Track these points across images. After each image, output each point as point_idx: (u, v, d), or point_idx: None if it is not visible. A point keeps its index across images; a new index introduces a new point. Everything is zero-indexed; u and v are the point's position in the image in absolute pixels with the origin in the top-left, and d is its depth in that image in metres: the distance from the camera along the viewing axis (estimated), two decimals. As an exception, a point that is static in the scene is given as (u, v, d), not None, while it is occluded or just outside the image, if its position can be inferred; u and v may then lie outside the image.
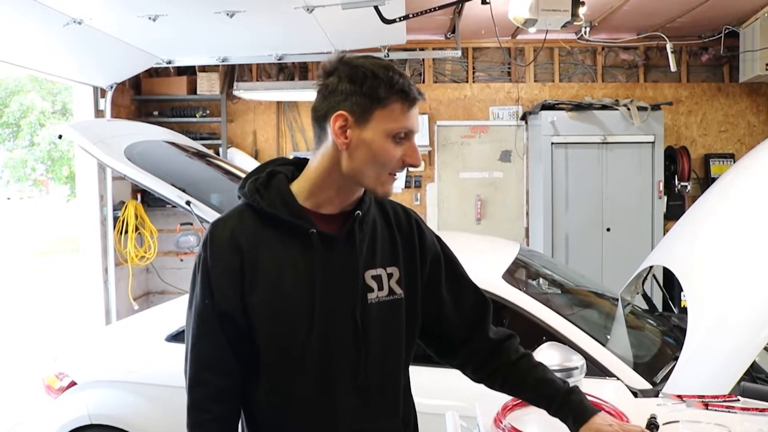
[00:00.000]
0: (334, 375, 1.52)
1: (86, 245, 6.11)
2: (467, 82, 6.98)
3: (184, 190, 3.26)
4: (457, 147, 6.94)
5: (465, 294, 1.69)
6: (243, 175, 4.08)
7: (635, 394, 2.56)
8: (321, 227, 1.51)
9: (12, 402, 5.25)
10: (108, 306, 6.02)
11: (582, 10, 4.65)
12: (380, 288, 1.55)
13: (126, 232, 6.18)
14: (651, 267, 3.51)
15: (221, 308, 1.48)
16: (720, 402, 1.79)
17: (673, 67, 6.07)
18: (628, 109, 6.14)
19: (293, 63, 6.79)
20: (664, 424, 1.63)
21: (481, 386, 1.70)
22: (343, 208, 1.55)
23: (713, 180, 5.88)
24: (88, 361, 3.37)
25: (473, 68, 6.99)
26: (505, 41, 6.70)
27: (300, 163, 1.60)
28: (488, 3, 4.64)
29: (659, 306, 4.40)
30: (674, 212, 6.34)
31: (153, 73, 6.76)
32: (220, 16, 4.29)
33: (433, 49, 6.75)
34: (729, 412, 1.73)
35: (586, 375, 2.07)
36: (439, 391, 2.44)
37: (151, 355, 3.22)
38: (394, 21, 4.47)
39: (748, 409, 1.75)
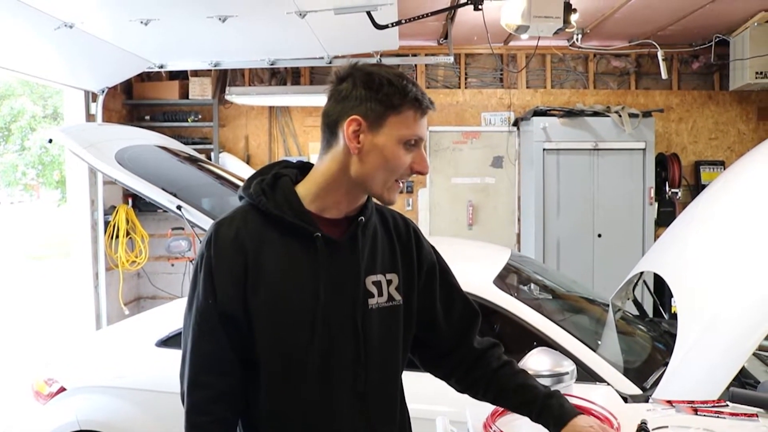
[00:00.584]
0: (333, 380, 1.52)
1: (77, 250, 6.09)
2: (459, 88, 7.00)
3: (175, 195, 3.25)
4: (449, 153, 6.96)
5: (456, 304, 1.71)
6: (235, 180, 4.08)
7: (625, 400, 2.56)
8: (325, 231, 1.51)
9: (1, 408, 5.21)
10: (98, 311, 5.99)
11: (574, 18, 4.67)
12: (380, 294, 1.56)
13: (117, 236, 6.15)
14: (642, 273, 3.52)
15: (223, 308, 1.48)
16: (709, 407, 1.79)
17: (664, 75, 6.10)
18: (620, 115, 6.17)
19: (286, 68, 6.79)
20: (653, 430, 1.63)
21: (471, 391, 1.70)
22: (347, 213, 1.57)
23: (704, 187, 5.92)
24: (78, 367, 3.35)
25: (465, 74, 7.01)
26: (497, 48, 6.72)
27: (304, 167, 1.61)
28: (481, 9, 4.65)
29: (650, 312, 4.41)
30: (665, 219, 6.37)
31: (145, 77, 6.74)
32: (212, 20, 4.28)
33: (426, 55, 6.78)
34: (718, 417, 1.74)
35: (576, 380, 2.07)
36: (429, 396, 2.44)
37: (141, 361, 3.20)
38: (386, 27, 4.48)
39: (736, 415, 1.76)
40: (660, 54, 5.97)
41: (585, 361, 2.69)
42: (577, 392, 1.86)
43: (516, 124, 6.86)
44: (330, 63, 5.64)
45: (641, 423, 1.63)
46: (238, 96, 6.55)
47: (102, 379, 3.19)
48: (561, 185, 6.23)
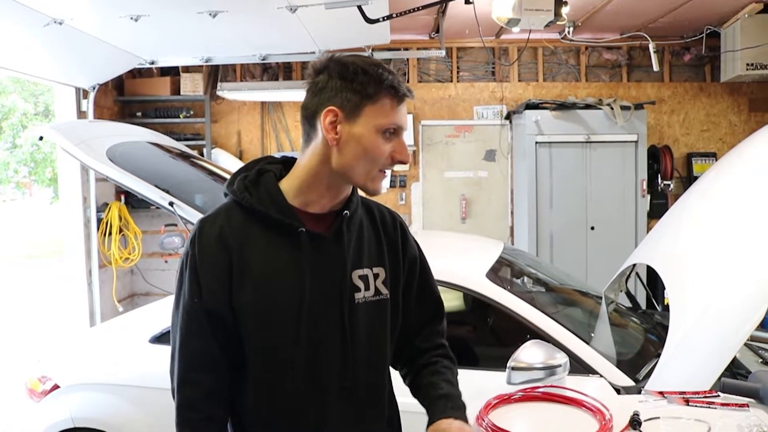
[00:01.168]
0: (321, 375, 1.52)
1: (70, 247, 6.07)
2: (452, 81, 6.99)
3: (167, 191, 3.24)
4: (442, 146, 6.96)
5: (428, 300, 1.72)
6: (227, 176, 4.05)
7: (618, 391, 2.57)
8: (309, 226, 1.51)
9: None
10: (92, 308, 5.98)
11: (565, 10, 4.67)
12: (367, 288, 1.56)
13: (110, 233, 6.14)
14: (634, 265, 3.53)
15: (210, 306, 1.48)
16: (700, 398, 1.81)
17: (655, 67, 6.11)
18: (612, 108, 6.18)
19: (277, 63, 6.78)
20: (645, 421, 1.64)
21: (466, 385, 1.70)
22: (332, 208, 1.56)
23: (695, 178, 5.92)
24: (72, 364, 3.34)
25: (457, 68, 7.00)
26: (489, 41, 6.72)
27: (288, 162, 1.60)
28: (472, 3, 4.65)
29: (642, 304, 4.43)
30: (657, 211, 6.39)
31: (136, 73, 6.72)
32: (202, 16, 4.26)
33: (418, 48, 6.77)
34: (709, 407, 1.75)
35: (569, 372, 2.08)
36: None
37: (135, 357, 3.20)
38: (377, 21, 4.47)
39: (727, 405, 1.77)
40: (651, 46, 5.98)
41: (578, 354, 2.69)
42: (570, 384, 1.87)
43: (508, 117, 6.87)
44: (322, 58, 5.62)
45: (633, 414, 1.64)
46: (229, 92, 6.54)
47: (96, 376, 3.18)
48: (554, 178, 6.24)
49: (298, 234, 1.49)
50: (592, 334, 3.05)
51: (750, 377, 2.28)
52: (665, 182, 6.60)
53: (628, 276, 3.69)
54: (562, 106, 6.26)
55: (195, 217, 3.19)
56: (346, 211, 1.55)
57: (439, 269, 3.07)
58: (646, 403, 1.78)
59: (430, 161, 6.95)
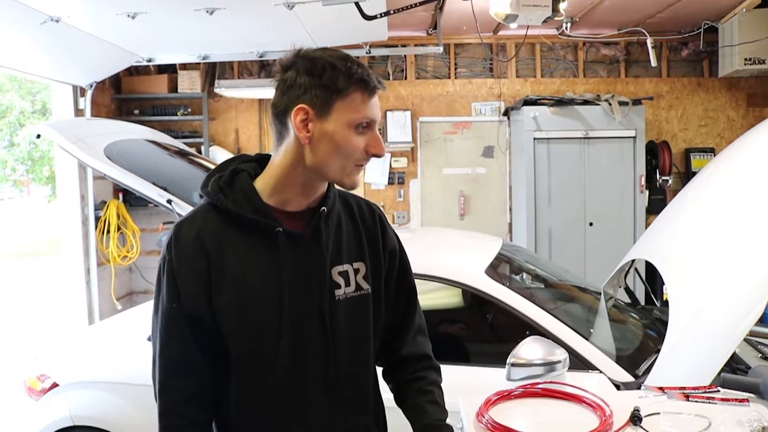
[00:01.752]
0: (304, 374, 1.51)
1: (68, 245, 6.06)
2: (449, 78, 6.99)
3: (165, 189, 3.24)
4: (440, 143, 6.95)
5: (404, 292, 1.70)
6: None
7: (618, 387, 2.58)
8: (286, 225, 1.49)
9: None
10: (90, 306, 5.98)
11: (563, 6, 4.66)
12: (347, 284, 1.55)
13: (108, 231, 6.13)
14: (633, 261, 3.53)
15: (189, 310, 1.46)
16: (700, 393, 1.80)
17: (653, 62, 6.10)
18: (610, 104, 6.18)
19: (274, 60, 6.76)
20: (645, 416, 1.63)
21: (465, 381, 1.70)
22: (308, 205, 1.54)
23: (694, 174, 5.92)
24: (70, 362, 3.34)
25: (455, 64, 7.00)
26: (486, 37, 6.71)
27: (263, 160, 1.58)
28: (469, -1, 4.65)
29: (641, 299, 4.43)
30: (656, 206, 6.39)
31: (133, 71, 6.70)
32: (199, 13, 4.26)
33: (415, 45, 6.76)
34: (709, 403, 1.75)
35: (569, 368, 2.08)
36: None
37: (134, 355, 3.19)
38: (375, 17, 4.47)
39: (727, 400, 1.76)
40: (649, 41, 5.98)
41: (577, 350, 2.70)
42: (569, 380, 1.87)
43: (506, 113, 6.86)
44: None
45: (634, 410, 1.63)
46: (227, 89, 6.53)
47: (95, 374, 3.18)
48: (552, 174, 6.24)
49: (275, 234, 1.47)
50: (592, 330, 3.05)
51: (750, 372, 2.28)
52: (663, 178, 6.61)
53: (627, 272, 3.70)
54: (560, 102, 6.26)
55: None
56: (323, 208, 1.53)
57: (438, 266, 3.09)
58: (646, 399, 1.78)
59: (428, 158, 6.95)
